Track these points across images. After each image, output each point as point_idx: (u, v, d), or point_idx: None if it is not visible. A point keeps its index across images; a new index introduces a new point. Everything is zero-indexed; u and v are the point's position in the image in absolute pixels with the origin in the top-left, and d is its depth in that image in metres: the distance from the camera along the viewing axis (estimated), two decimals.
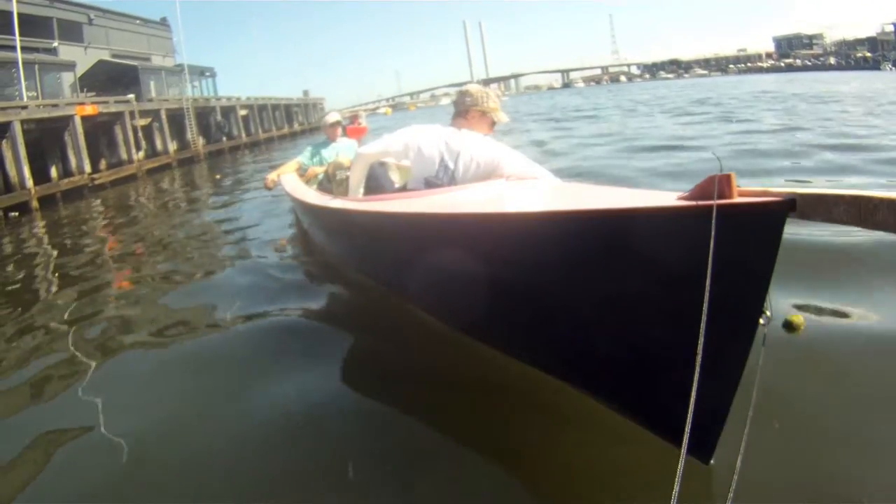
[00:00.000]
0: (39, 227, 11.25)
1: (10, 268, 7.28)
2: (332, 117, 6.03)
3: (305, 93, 51.10)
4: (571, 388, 1.97)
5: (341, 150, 5.77)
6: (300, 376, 2.73)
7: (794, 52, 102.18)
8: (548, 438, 2.02)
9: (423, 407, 2.34)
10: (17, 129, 13.99)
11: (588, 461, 1.91)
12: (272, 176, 5.83)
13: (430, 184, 2.99)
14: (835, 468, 1.76)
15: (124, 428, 2.46)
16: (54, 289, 5.84)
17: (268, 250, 5.65)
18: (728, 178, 1.37)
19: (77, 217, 11.80)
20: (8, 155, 13.92)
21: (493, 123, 3.29)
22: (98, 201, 14.16)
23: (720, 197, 1.35)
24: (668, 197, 1.58)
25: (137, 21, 38.19)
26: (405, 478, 1.93)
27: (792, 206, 1.32)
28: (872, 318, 2.73)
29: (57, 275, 6.45)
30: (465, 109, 3.23)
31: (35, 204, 13.76)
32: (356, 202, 3.19)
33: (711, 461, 1.53)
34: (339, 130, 6.02)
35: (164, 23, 40.89)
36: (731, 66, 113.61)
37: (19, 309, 4.96)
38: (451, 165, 3.04)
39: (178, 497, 1.99)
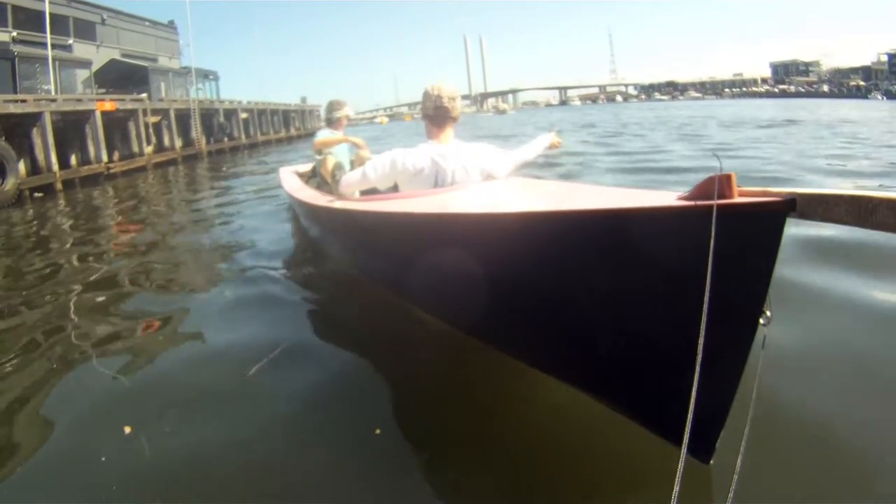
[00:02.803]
0: (63, 206, 11.83)
1: (33, 240, 7.88)
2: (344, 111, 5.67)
3: (303, 99, 51.23)
4: (572, 387, 1.92)
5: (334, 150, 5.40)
6: (298, 375, 2.65)
7: (788, 79, 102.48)
8: (548, 438, 1.97)
9: (423, 407, 2.28)
10: (47, 119, 15.06)
11: (588, 461, 1.86)
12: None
13: None
14: (835, 468, 1.73)
15: (118, 414, 2.39)
16: (67, 260, 6.10)
17: (266, 244, 5.51)
18: (728, 178, 1.34)
19: (93, 200, 12.61)
20: (38, 142, 14.94)
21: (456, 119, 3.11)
22: (111, 188, 14.93)
23: (720, 197, 1.32)
24: (668, 197, 1.55)
25: (147, 23, 38.72)
26: (405, 477, 1.87)
27: (792, 206, 1.30)
28: (873, 318, 2.73)
29: (71, 248, 6.82)
30: (452, 118, 3.04)
31: (59, 186, 14.80)
32: (356, 202, 3.11)
33: (711, 461, 1.48)
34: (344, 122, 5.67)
35: (171, 26, 41.52)
36: (727, 90, 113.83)
37: (36, 276, 5.37)
38: (449, 181, 2.94)
39: (173, 493, 1.90)
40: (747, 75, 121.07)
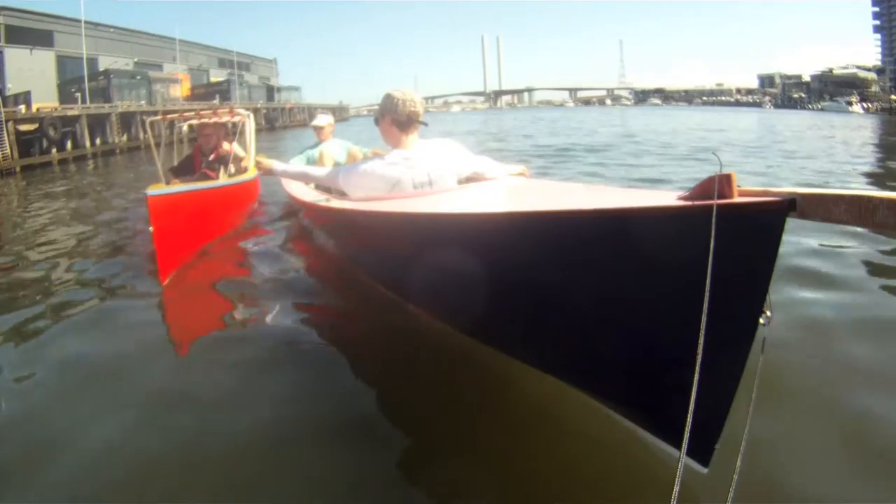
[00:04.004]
0: None
1: None
2: (318, 121, 5.48)
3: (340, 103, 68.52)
4: (571, 387, 1.67)
5: (326, 149, 5.10)
6: (298, 376, 2.29)
7: (763, 90, 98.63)
8: (547, 438, 1.73)
9: (423, 407, 1.98)
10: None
11: (587, 461, 1.62)
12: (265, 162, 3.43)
13: None
14: (835, 470, 1.49)
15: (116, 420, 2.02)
16: None
17: (266, 243, 4.81)
18: (728, 177, 1.14)
19: None
20: None
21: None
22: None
23: (720, 197, 1.12)
24: (668, 196, 1.35)
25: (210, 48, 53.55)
26: (404, 477, 1.63)
27: (792, 206, 1.10)
28: (875, 317, 2.45)
29: None
30: (413, 121, 2.67)
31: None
32: (355, 203, 2.68)
33: (711, 462, 1.27)
34: (327, 131, 5.39)
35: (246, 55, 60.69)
36: (697, 98, 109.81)
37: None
38: (427, 183, 2.63)
39: (175, 498, 1.62)
40: (727, 86, 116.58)
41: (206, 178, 5.21)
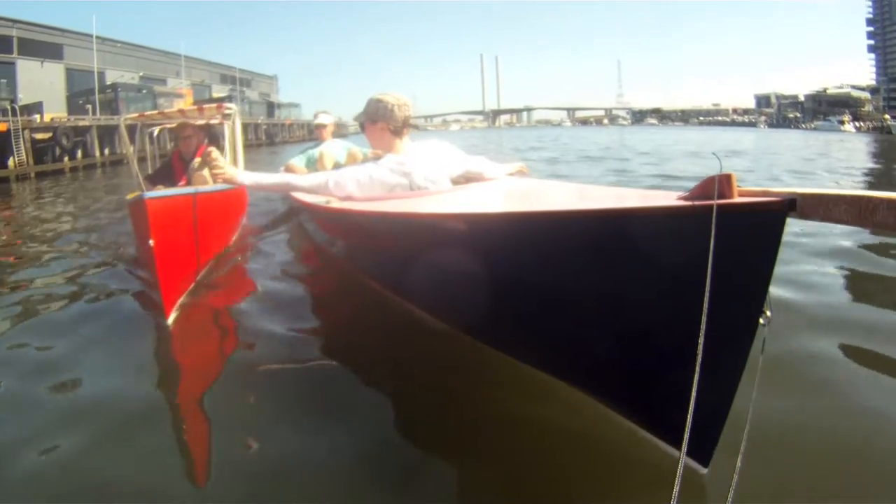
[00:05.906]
0: None
1: None
2: (321, 119, 5.39)
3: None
4: (571, 387, 1.64)
5: (325, 149, 4.96)
6: (298, 375, 2.18)
7: (760, 110, 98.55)
8: (547, 439, 1.67)
9: (423, 407, 1.92)
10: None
11: (587, 462, 1.57)
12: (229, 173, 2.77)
13: None
14: (835, 470, 1.45)
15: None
16: None
17: (266, 244, 4.64)
18: (728, 177, 1.12)
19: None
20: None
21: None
22: None
23: (720, 197, 1.11)
24: (668, 197, 1.33)
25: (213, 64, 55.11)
26: (405, 478, 1.56)
27: (792, 206, 1.08)
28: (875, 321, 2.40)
29: None
30: (406, 125, 2.60)
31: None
32: (354, 203, 2.59)
33: (710, 463, 1.24)
34: (329, 130, 5.32)
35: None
36: (694, 118, 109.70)
37: None
38: (423, 186, 2.58)
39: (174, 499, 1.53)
40: (723, 106, 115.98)
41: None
